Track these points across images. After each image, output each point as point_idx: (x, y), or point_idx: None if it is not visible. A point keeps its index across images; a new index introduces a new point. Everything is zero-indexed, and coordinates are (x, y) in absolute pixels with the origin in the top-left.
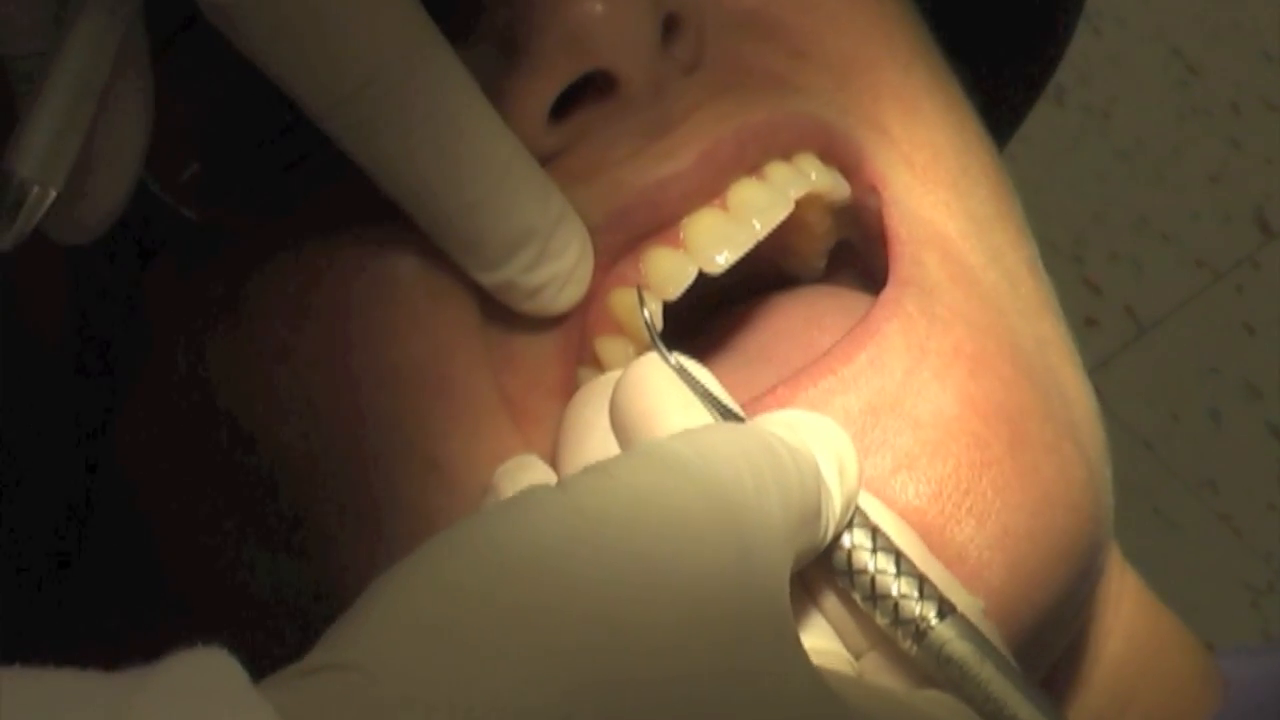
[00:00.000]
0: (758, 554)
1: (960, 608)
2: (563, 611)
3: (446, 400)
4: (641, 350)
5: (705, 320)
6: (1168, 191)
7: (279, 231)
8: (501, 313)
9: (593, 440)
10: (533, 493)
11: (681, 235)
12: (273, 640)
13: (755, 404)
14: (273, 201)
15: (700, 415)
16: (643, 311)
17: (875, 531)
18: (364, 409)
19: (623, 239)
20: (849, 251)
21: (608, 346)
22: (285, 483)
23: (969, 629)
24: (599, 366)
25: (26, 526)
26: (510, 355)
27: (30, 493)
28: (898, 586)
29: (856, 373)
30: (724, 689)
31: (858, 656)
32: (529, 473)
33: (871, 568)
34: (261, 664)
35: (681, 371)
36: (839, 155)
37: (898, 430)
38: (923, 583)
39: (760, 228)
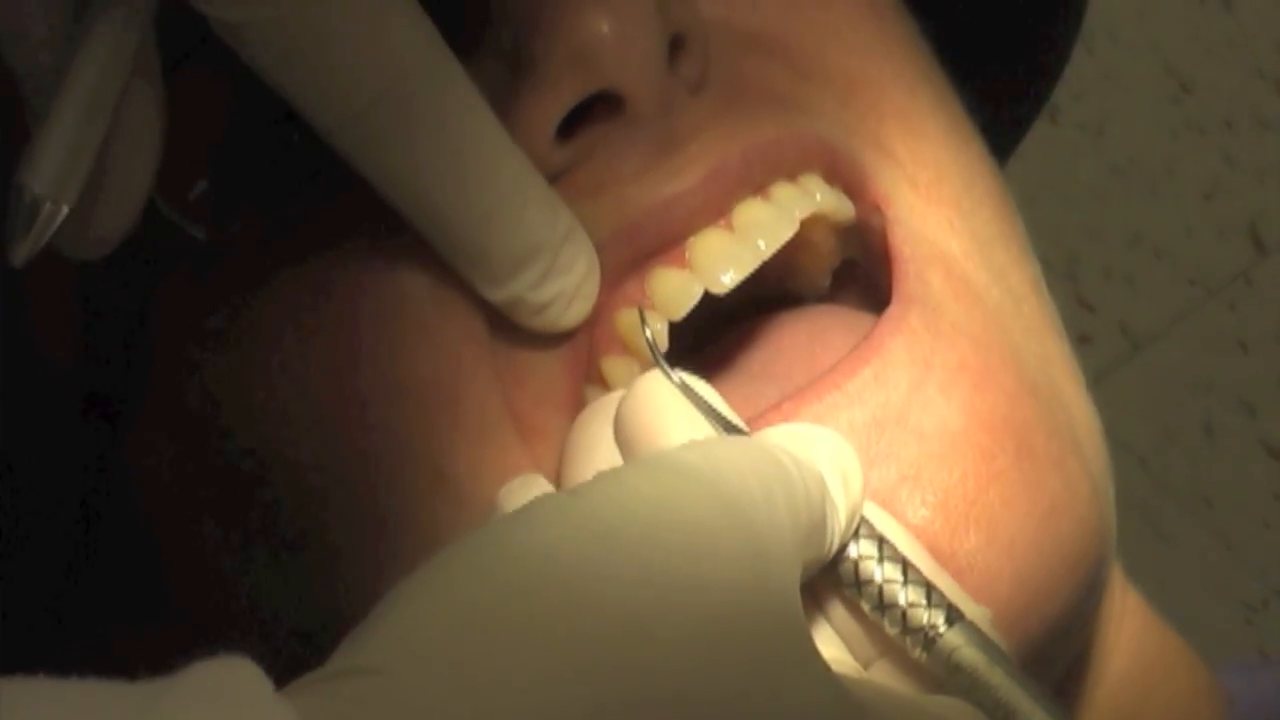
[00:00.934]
0: (772, 562)
1: (968, 617)
2: (581, 620)
3: (454, 415)
4: (647, 369)
5: (710, 338)
6: (1161, 208)
7: (286, 248)
8: (509, 329)
9: (598, 457)
10: (547, 500)
11: (687, 255)
12: (278, 657)
13: (760, 420)
14: (280, 219)
15: (704, 431)
16: (645, 331)
17: (881, 541)
18: (372, 424)
19: (629, 255)
20: (853, 271)
21: (614, 366)
22: (292, 498)
23: (978, 635)
24: (605, 386)
25: (32, 543)
26: (518, 371)
27: (36, 509)
28: (905, 595)
29: (861, 387)
30: (748, 701)
31: (866, 666)
32: (533, 492)
33: (879, 577)
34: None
35: (685, 388)
36: (843, 175)
37: (903, 443)
38: (930, 590)
39: (765, 247)
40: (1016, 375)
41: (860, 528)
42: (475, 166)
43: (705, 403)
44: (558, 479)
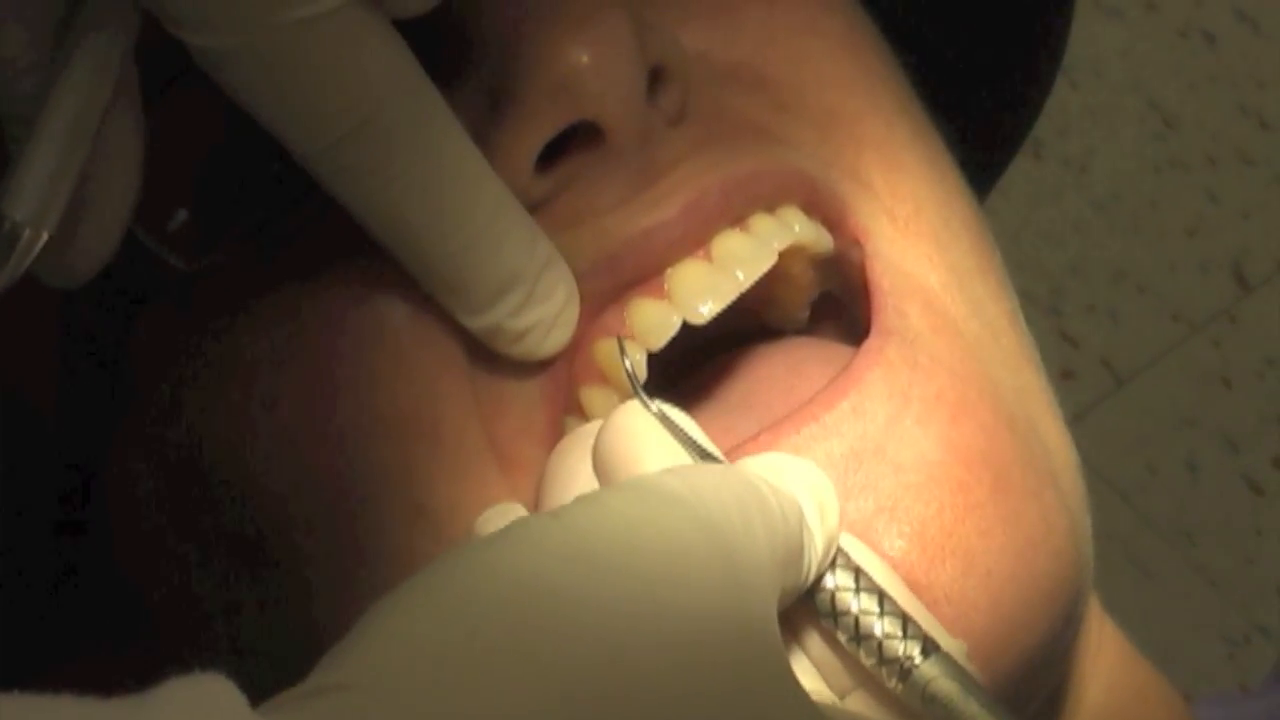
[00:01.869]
0: (751, 589)
1: (944, 649)
2: (560, 636)
3: (433, 446)
4: (625, 400)
5: (688, 369)
6: (1145, 244)
7: (265, 278)
8: (488, 358)
9: (576, 486)
10: (527, 521)
11: (666, 286)
12: (253, 686)
13: (738, 451)
14: (261, 247)
15: (683, 461)
16: (624, 361)
17: (858, 572)
18: (350, 455)
19: (609, 286)
20: (831, 303)
21: (593, 396)
22: (271, 528)
23: (953, 667)
24: (585, 416)
25: (10, 563)
26: (497, 401)
27: (14, 530)
28: (881, 626)
29: (839, 419)
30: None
31: (842, 697)
32: (510, 520)
33: (855, 608)
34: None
35: (663, 418)
36: (822, 207)
37: (880, 475)
38: (906, 622)
39: (744, 278)
40: (994, 408)
41: (837, 558)
42: (454, 196)
43: (684, 433)
44: (535, 509)
